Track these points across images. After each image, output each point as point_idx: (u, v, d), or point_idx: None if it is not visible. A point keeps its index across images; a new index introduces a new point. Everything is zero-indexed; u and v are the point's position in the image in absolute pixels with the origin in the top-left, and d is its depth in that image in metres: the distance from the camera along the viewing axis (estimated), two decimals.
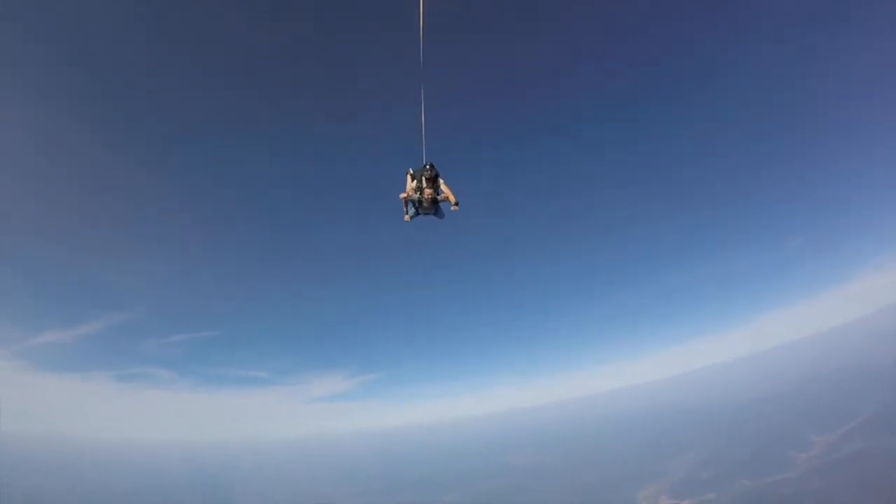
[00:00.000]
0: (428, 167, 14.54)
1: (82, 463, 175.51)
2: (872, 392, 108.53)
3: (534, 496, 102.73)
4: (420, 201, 14.82)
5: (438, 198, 14.80)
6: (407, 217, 15.41)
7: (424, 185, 14.56)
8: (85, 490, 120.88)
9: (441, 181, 14.79)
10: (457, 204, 14.89)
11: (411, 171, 15.15)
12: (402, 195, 15.03)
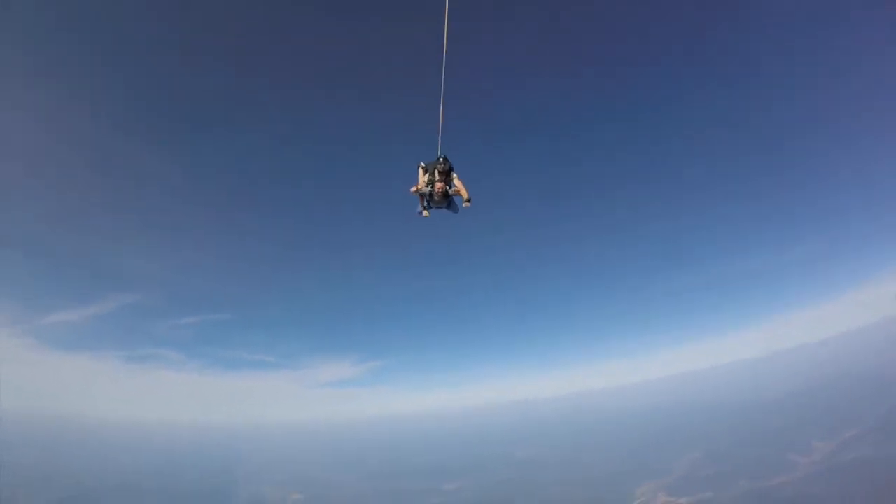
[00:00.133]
0: (442, 160, 14.48)
1: (90, 441, 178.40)
2: (878, 399, 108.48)
3: (535, 488, 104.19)
4: (431, 195, 14.76)
5: (450, 191, 14.71)
6: (426, 213, 15.25)
7: (437, 178, 14.49)
8: (92, 468, 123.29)
9: (454, 175, 14.77)
10: (469, 199, 14.82)
11: (423, 165, 15.03)
12: (413, 189, 14.95)
